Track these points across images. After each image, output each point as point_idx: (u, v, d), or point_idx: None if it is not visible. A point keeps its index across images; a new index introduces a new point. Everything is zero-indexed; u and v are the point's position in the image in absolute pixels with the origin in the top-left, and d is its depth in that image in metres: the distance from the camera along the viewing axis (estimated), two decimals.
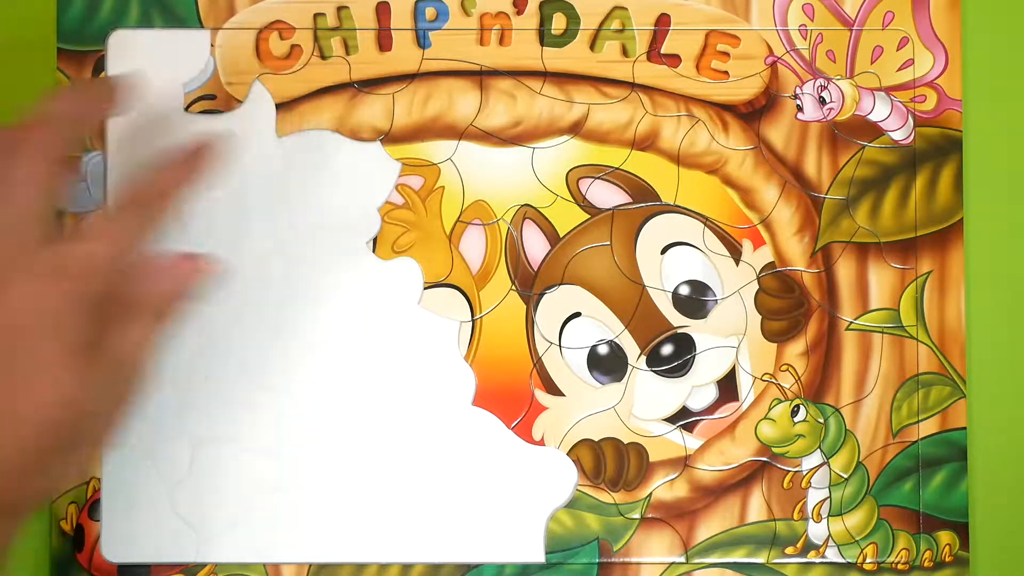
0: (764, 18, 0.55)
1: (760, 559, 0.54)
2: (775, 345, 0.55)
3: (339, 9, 0.55)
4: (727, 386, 0.55)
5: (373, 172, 0.55)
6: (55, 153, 0.44)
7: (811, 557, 0.54)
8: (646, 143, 0.55)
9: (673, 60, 0.55)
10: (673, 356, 0.55)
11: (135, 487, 0.53)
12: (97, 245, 0.43)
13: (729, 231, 0.55)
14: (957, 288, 0.55)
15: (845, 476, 0.55)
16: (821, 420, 0.55)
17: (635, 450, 0.55)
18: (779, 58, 0.55)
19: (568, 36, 0.55)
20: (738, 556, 0.54)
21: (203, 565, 0.54)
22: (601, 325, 0.55)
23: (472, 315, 0.54)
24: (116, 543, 0.53)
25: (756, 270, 0.55)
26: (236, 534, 0.54)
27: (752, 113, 0.55)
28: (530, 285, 0.55)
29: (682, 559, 0.54)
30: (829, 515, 0.54)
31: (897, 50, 0.55)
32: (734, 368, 0.55)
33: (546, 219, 0.55)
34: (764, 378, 0.55)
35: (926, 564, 0.54)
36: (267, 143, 0.55)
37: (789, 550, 0.54)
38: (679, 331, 0.55)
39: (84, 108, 0.47)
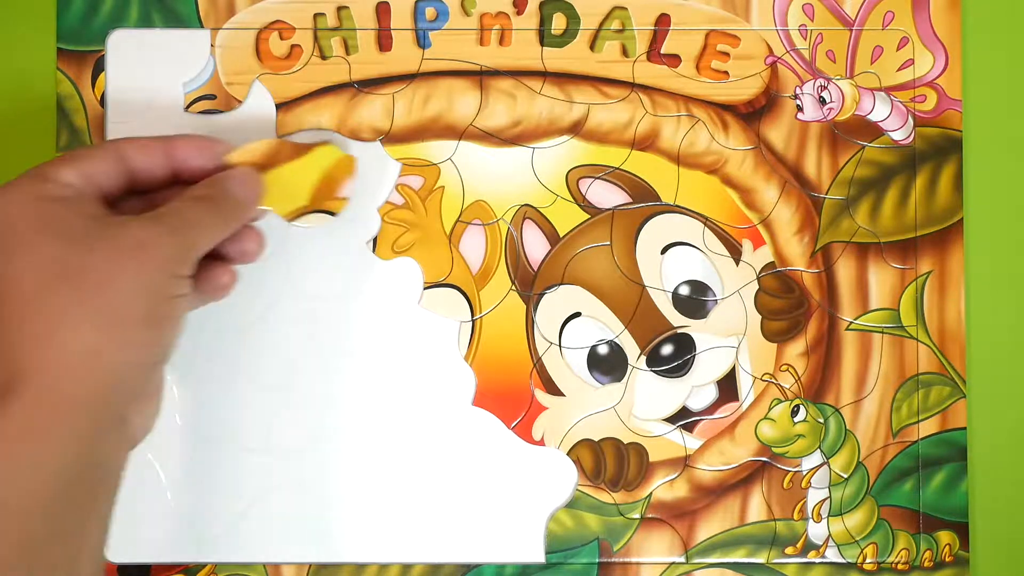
0: (764, 18, 0.55)
1: (760, 559, 0.54)
2: (775, 345, 0.55)
3: (339, 9, 0.55)
4: (727, 386, 0.55)
5: (373, 172, 0.55)
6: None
7: (811, 557, 0.54)
8: (646, 143, 0.55)
9: (673, 60, 0.55)
10: (673, 356, 0.55)
11: (135, 487, 0.53)
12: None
13: (729, 231, 0.55)
14: (957, 288, 0.55)
15: (845, 476, 0.55)
16: (821, 420, 0.55)
17: (635, 450, 0.55)
18: (779, 58, 0.55)
19: (568, 36, 0.55)
20: (738, 556, 0.54)
21: (203, 565, 0.54)
22: (601, 325, 0.55)
23: (472, 315, 0.55)
24: (116, 543, 0.53)
25: (756, 270, 0.55)
26: (236, 534, 0.54)
27: (752, 113, 0.55)
28: (530, 285, 0.55)
29: (682, 559, 0.54)
30: (829, 515, 0.55)
31: (897, 50, 0.55)
32: (734, 368, 0.55)
33: (546, 219, 0.55)
34: (764, 378, 0.55)
35: (926, 564, 0.54)
36: None
37: (789, 550, 0.54)
38: (679, 331, 0.55)
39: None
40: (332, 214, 0.54)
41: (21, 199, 0.44)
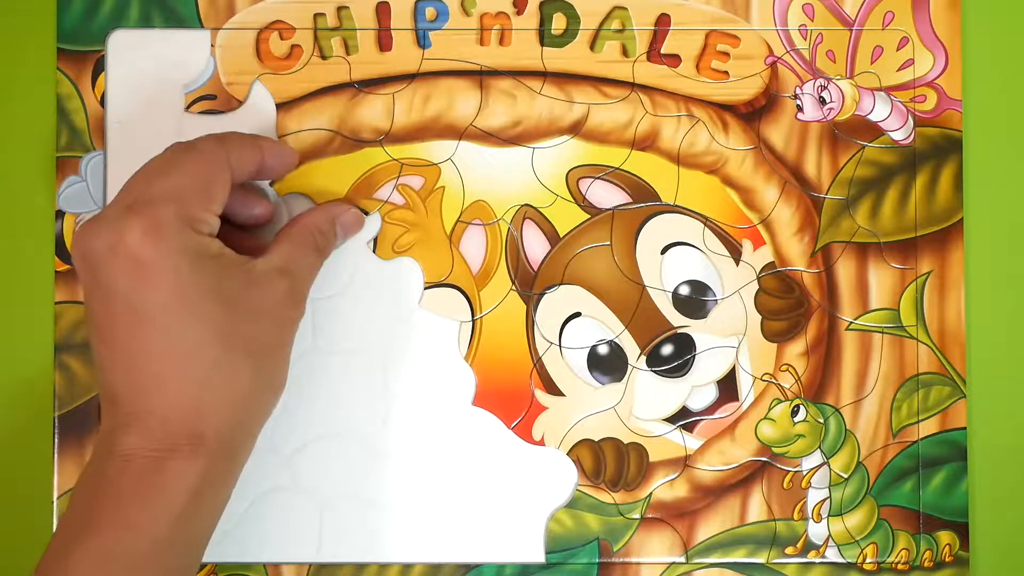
0: (764, 18, 0.55)
1: (760, 559, 0.54)
2: (775, 345, 0.55)
3: (339, 9, 0.55)
4: (727, 386, 0.55)
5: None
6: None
7: (811, 557, 0.54)
8: (646, 143, 0.55)
9: (673, 60, 0.55)
10: (673, 356, 0.55)
11: None
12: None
13: (729, 231, 0.55)
14: (957, 288, 0.55)
15: (845, 476, 0.55)
16: (821, 420, 0.55)
17: (635, 450, 0.55)
18: (779, 58, 0.55)
19: (568, 36, 0.55)
20: (738, 556, 0.54)
21: (203, 565, 0.54)
22: (601, 325, 0.55)
23: (472, 315, 0.54)
24: None
25: (756, 270, 0.55)
26: (236, 534, 0.54)
27: (752, 113, 0.55)
28: (530, 285, 0.55)
29: (682, 559, 0.54)
30: (829, 515, 0.55)
31: (897, 50, 0.55)
32: (734, 368, 0.55)
33: (546, 219, 0.55)
34: (764, 378, 0.55)
35: (926, 564, 0.54)
36: None
37: (789, 550, 0.54)
38: (679, 331, 0.55)
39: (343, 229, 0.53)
40: (365, 212, 0.54)
41: (178, 255, 0.44)
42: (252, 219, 0.52)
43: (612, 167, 0.55)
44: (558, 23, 0.55)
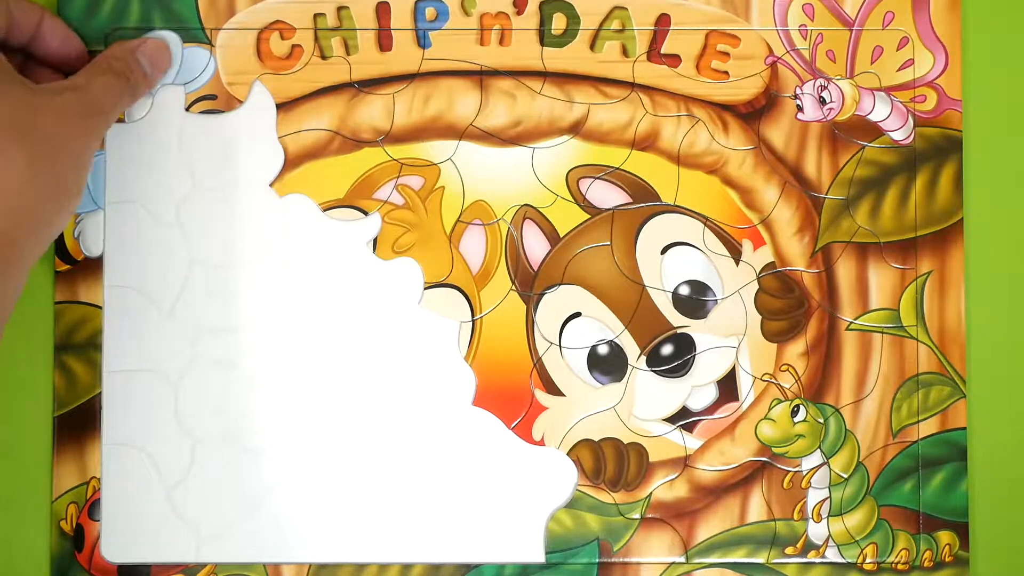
0: (764, 18, 0.55)
1: (760, 559, 0.54)
2: (775, 345, 0.55)
3: (339, 9, 0.55)
4: (727, 386, 0.55)
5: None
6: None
7: (811, 557, 0.54)
8: (646, 143, 0.55)
9: (673, 60, 0.55)
10: (673, 356, 0.55)
11: (135, 487, 0.53)
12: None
13: (729, 231, 0.55)
14: (957, 288, 0.55)
15: (845, 476, 0.55)
16: (821, 420, 0.55)
17: (635, 450, 0.55)
18: (779, 58, 0.55)
19: (568, 36, 0.55)
20: (738, 556, 0.54)
21: (203, 565, 0.54)
22: (601, 325, 0.55)
23: (472, 315, 0.55)
24: (116, 543, 0.53)
25: (756, 270, 0.55)
26: (236, 534, 0.54)
27: (752, 113, 0.55)
28: (530, 285, 0.55)
29: (682, 559, 0.54)
30: (829, 515, 0.55)
31: (897, 50, 0.55)
32: (734, 368, 0.55)
33: (546, 219, 0.55)
34: (764, 378, 0.55)
35: (926, 564, 0.54)
36: (266, 143, 0.55)
37: (789, 550, 0.54)
38: (679, 331, 0.55)
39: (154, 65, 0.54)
40: (365, 212, 0.54)
41: None
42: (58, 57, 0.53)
43: (612, 167, 0.55)
44: (558, 23, 0.55)
